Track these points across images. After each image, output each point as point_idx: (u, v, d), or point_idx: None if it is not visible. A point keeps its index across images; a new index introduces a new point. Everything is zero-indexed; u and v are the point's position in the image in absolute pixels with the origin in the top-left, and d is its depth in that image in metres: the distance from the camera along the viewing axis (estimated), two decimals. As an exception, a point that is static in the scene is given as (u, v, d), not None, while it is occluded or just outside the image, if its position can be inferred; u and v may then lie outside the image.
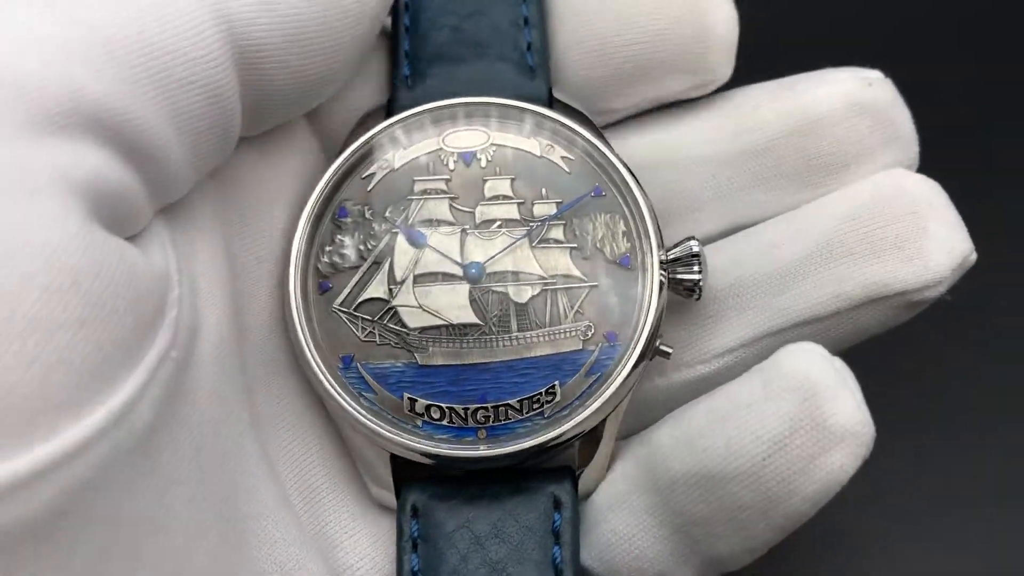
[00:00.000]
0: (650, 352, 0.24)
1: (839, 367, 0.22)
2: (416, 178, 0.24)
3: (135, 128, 0.18)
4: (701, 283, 0.24)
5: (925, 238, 0.23)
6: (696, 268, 0.24)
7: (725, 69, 0.26)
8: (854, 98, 0.25)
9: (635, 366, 0.24)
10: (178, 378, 0.19)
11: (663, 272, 0.24)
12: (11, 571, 0.15)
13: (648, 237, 0.24)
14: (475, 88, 0.25)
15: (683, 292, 0.24)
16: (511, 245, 0.24)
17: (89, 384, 0.17)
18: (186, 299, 0.20)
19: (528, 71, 0.26)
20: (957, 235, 0.24)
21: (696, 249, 0.24)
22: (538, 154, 0.25)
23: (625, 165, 0.25)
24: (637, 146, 0.26)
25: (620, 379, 0.23)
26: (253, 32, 0.20)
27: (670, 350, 0.24)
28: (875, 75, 0.26)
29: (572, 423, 0.23)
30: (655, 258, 0.24)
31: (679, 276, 0.24)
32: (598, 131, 0.26)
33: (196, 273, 0.21)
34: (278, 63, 0.21)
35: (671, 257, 0.24)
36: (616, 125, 0.27)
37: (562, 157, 0.25)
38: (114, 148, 0.18)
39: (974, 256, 0.24)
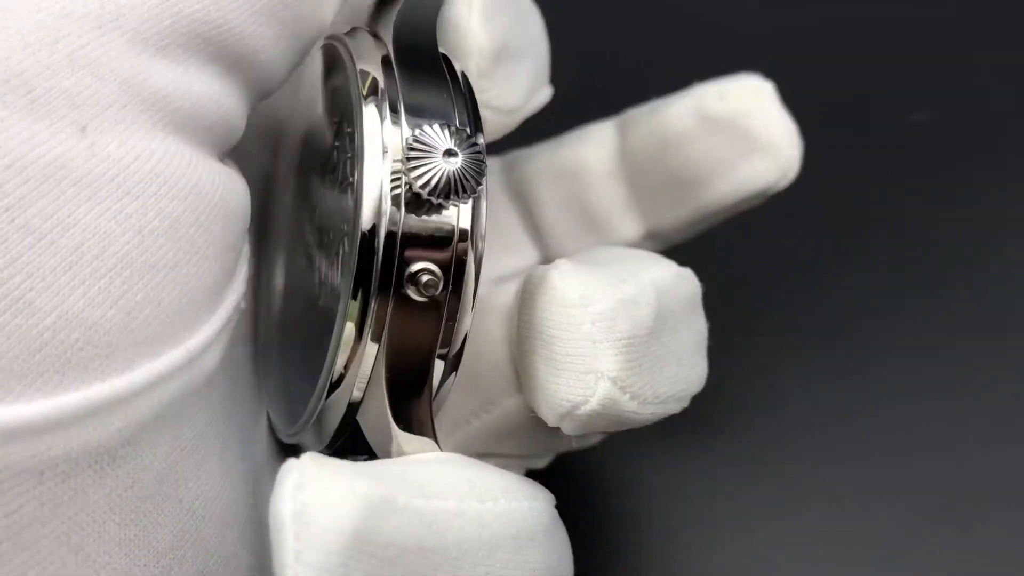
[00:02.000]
0: None
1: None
2: None
3: (236, 36, 0.18)
4: None
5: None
6: None
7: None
8: (705, 113, 0.25)
9: None
10: (238, 323, 0.19)
11: None
12: (74, 497, 0.16)
13: None
14: None
15: None
16: None
17: (172, 325, 0.17)
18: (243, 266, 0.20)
19: None
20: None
21: None
22: None
23: None
24: (546, 160, 0.27)
25: None
26: None
27: None
28: (737, 85, 0.26)
29: None
30: None
31: None
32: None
33: None
34: None
35: None
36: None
37: None
38: (218, 62, 0.18)
39: None
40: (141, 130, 0.16)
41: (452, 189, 0.17)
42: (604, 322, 0.19)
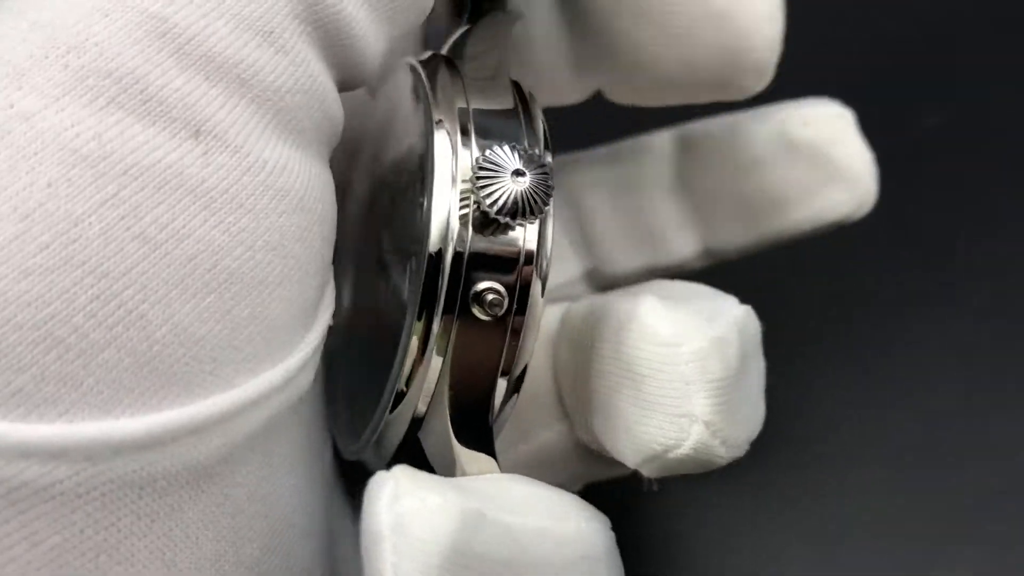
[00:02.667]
0: None
1: None
2: None
3: (334, 13, 0.17)
4: None
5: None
6: None
7: (758, 87, 0.25)
8: (787, 138, 0.25)
9: None
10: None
11: None
12: (171, 513, 0.16)
13: None
14: None
15: None
16: None
17: (274, 343, 0.17)
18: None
19: None
20: None
21: None
22: None
23: None
24: (600, 170, 0.27)
25: None
26: None
27: None
28: (821, 112, 0.25)
29: None
30: None
31: None
32: None
33: None
34: None
35: None
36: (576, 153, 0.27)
37: None
38: (318, 45, 0.17)
39: None
40: (252, 135, 0.16)
41: (520, 209, 0.18)
42: (697, 363, 0.18)
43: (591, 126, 0.27)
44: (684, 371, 0.18)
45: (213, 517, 0.17)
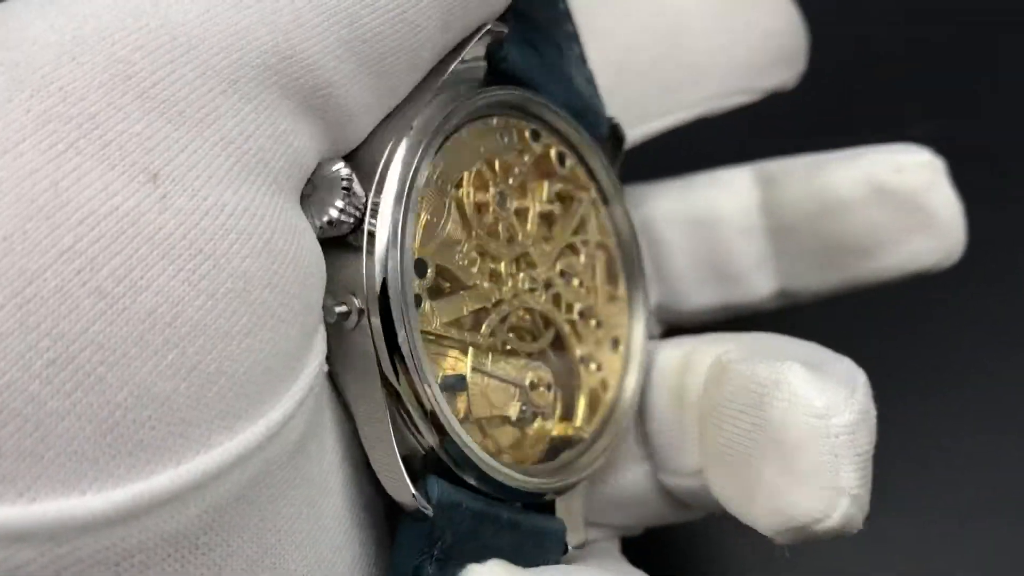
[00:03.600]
0: None
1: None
2: None
3: (307, 68, 0.17)
4: None
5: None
6: None
7: (789, 83, 0.26)
8: (878, 184, 0.25)
9: None
10: (323, 385, 0.18)
11: None
12: None
13: None
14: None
15: None
16: None
17: (248, 397, 0.16)
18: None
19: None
20: None
21: None
22: None
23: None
24: (674, 203, 0.26)
25: None
26: None
27: None
28: (914, 159, 0.25)
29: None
30: None
31: None
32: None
33: None
34: None
35: None
36: (647, 181, 0.27)
37: None
38: (291, 98, 0.17)
39: None
40: (213, 178, 0.15)
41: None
42: (847, 436, 0.18)
43: (661, 156, 0.27)
44: (834, 444, 0.18)
45: None
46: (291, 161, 0.17)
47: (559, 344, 0.23)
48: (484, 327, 0.21)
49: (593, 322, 0.23)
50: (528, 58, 0.22)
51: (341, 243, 0.19)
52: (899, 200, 0.24)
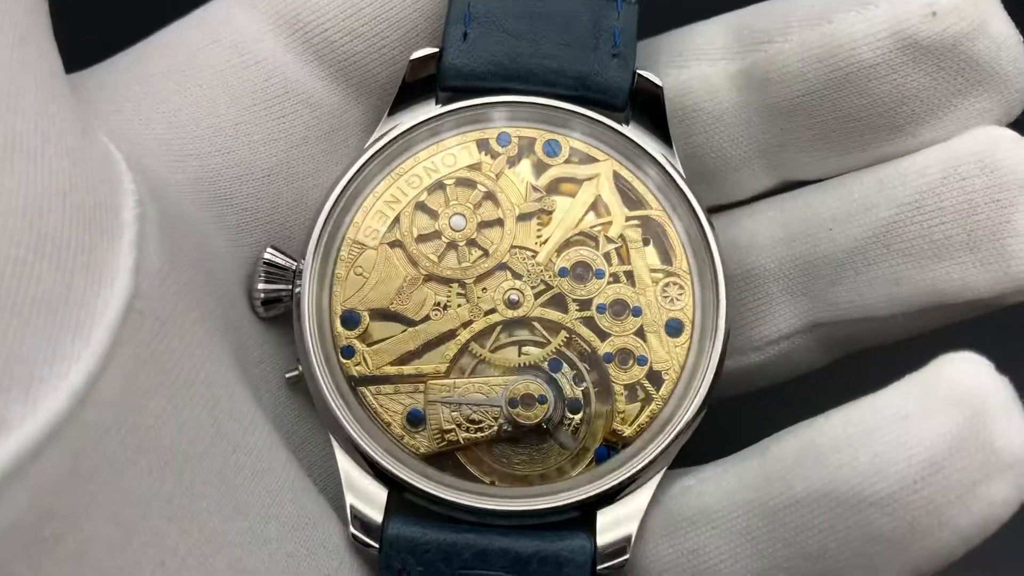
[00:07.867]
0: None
1: (1006, 384, 0.19)
2: None
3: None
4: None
5: (1007, 236, 0.18)
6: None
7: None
8: (906, 36, 0.19)
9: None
10: (160, 333, 0.16)
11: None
12: None
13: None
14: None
15: None
16: None
17: (23, 361, 0.14)
18: (152, 239, 0.17)
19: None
20: None
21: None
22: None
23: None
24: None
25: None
26: None
27: None
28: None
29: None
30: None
31: None
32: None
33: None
34: None
35: None
36: None
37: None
38: None
39: None
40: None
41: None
42: None
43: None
44: None
45: None
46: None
47: (573, 345, 0.22)
48: (449, 352, 0.21)
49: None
50: (485, 56, 0.22)
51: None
52: (938, 55, 0.19)
